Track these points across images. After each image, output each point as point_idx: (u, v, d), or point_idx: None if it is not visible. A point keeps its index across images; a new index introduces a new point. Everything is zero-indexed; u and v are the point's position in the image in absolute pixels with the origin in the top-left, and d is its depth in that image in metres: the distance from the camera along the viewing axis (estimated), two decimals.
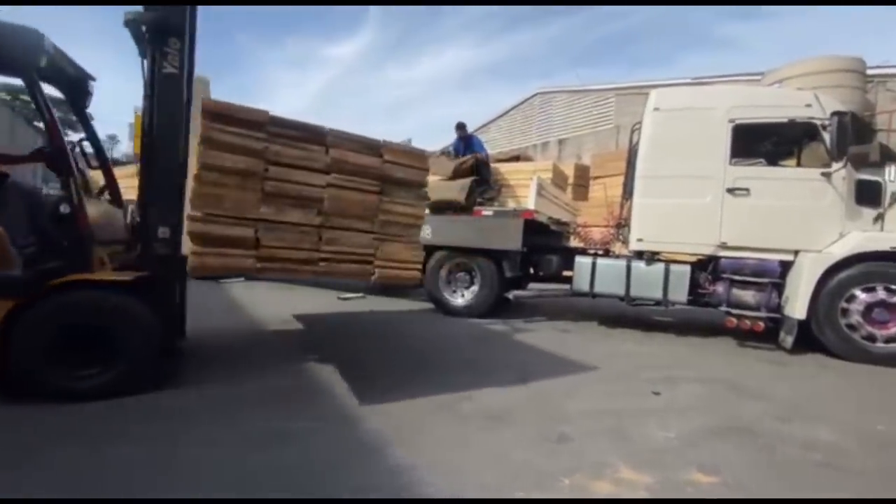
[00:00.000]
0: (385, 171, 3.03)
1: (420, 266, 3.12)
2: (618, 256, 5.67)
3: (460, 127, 7.15)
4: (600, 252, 6.04)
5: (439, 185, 6.06)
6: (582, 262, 5.50)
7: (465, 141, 7.08)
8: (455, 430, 2.43)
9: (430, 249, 6.03)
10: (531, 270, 6.32)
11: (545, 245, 6.22)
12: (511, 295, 5.96)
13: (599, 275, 5.35)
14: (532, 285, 6.72)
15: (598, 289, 5.36)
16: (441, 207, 5.96)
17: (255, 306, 5.80)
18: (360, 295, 7.35)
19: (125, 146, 29.58)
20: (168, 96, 2.70)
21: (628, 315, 6.02)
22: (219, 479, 1.88)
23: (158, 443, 2.15)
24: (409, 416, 2.58)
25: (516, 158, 7.94)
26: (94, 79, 3.36)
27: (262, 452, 2.09)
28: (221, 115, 2.62)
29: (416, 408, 2.70)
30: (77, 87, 3.35)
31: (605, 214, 8.17)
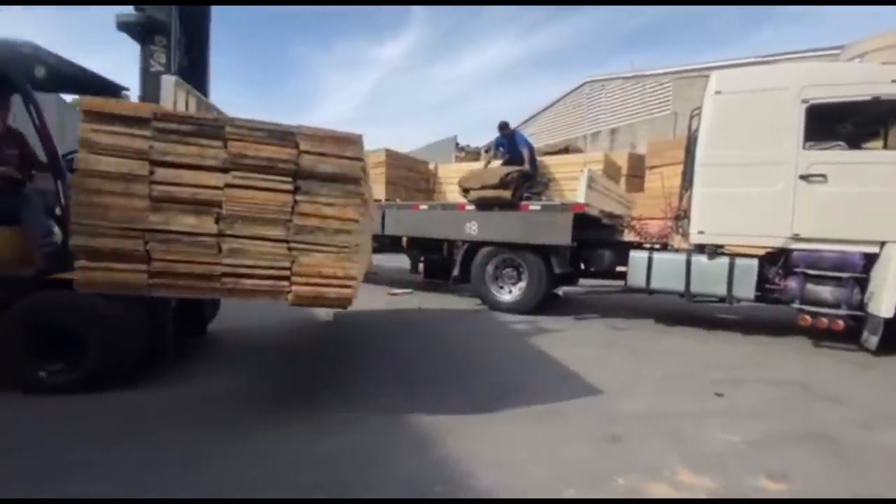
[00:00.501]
0: (302, 164, 2.48)
1: (353, 281, 2.47)
2: (677, 250, 5.39)
3: (503, 126, 7.06)
4: (657, 246, 5.77)
5: (483, 180, 6.02)
6: (637, 256, 5.28)
7: (509, 139, 7.00)
8: (502, 426, 2.43)
9: (476, 245, 6.06)
10: (582, 266, 6.16)
11: (597, 239, 6.03)
12: (560, 291, 5.83)
13: (656, 270, 5.12)
14: (583, 281, 6.54)
15: (654, 284, 5.14)
16: (487, 203, 5.94)
17: None
18: (407, 291, 7.50)
19: None
20: (155, 94, 2.75)
21: (688, 312, 5.71)
22: (283, 463, 2.00)
23: (225, 430, 2.33)
24: (455, 410, 2.61)
25: (565, 150, 7.77)
26: (125, 88, 3.57)
27: (312, 441, 2.20)
28: (101, 113, 2.33)
29: (463, 403, 2.73)
30: (104, 95, 3.60)
31: (663, 206, 7.79)
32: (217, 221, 2.43)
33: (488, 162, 7.75)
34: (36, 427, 2.31)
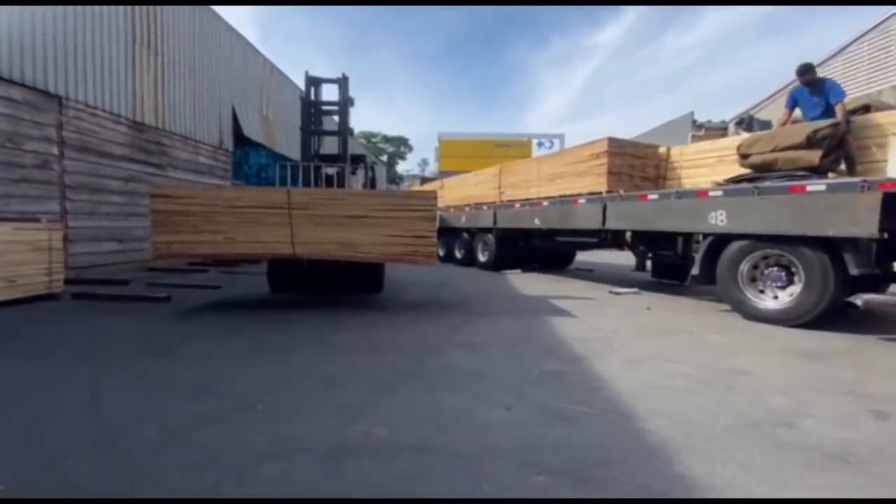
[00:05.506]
0: None
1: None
2: None
3: (805, 70, 5.09)
4: None
5: (778, 140, 4.92)
6: None
7: (815, 87, 5.05)
8: (768, 459, 1.92)
9: (724, 238, 5.04)
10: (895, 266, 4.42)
11: None
12: (859, 300, 4.25)
13: None
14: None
15: None
16: (777, 169, 4.88)
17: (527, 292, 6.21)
18: (633, 290, 6.86)
19: (433, 166, 37.24)
20: None
21: None
22: (505, 442, 2.07)
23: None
24: (699, 427, 2.20)
25: (865, 109, 5.63)
26: (372, 160, 5.76)
27: (544, 428, 2.20)
28: None
29: (710, 421, 2.27)
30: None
31: None
32: None
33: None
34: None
